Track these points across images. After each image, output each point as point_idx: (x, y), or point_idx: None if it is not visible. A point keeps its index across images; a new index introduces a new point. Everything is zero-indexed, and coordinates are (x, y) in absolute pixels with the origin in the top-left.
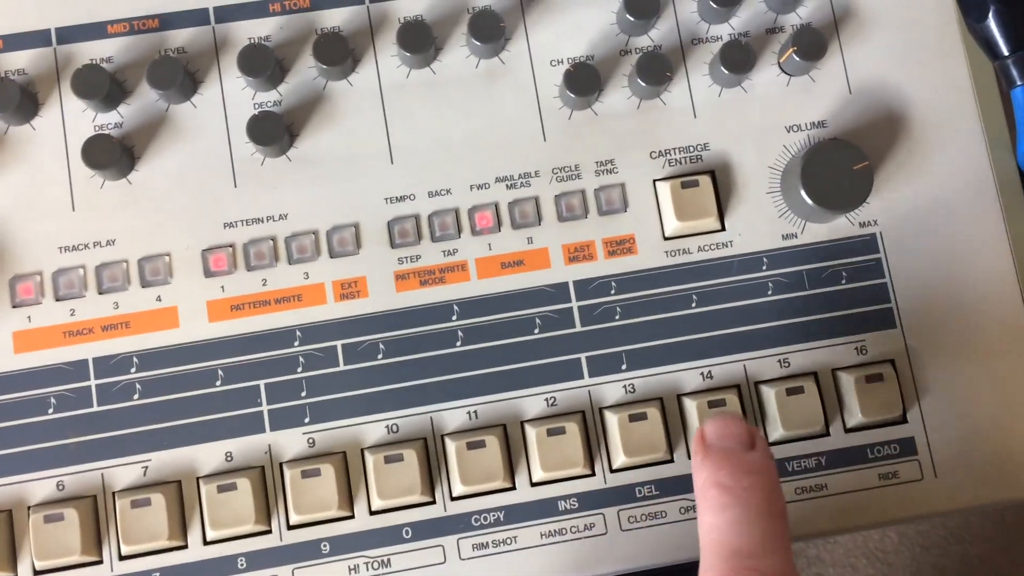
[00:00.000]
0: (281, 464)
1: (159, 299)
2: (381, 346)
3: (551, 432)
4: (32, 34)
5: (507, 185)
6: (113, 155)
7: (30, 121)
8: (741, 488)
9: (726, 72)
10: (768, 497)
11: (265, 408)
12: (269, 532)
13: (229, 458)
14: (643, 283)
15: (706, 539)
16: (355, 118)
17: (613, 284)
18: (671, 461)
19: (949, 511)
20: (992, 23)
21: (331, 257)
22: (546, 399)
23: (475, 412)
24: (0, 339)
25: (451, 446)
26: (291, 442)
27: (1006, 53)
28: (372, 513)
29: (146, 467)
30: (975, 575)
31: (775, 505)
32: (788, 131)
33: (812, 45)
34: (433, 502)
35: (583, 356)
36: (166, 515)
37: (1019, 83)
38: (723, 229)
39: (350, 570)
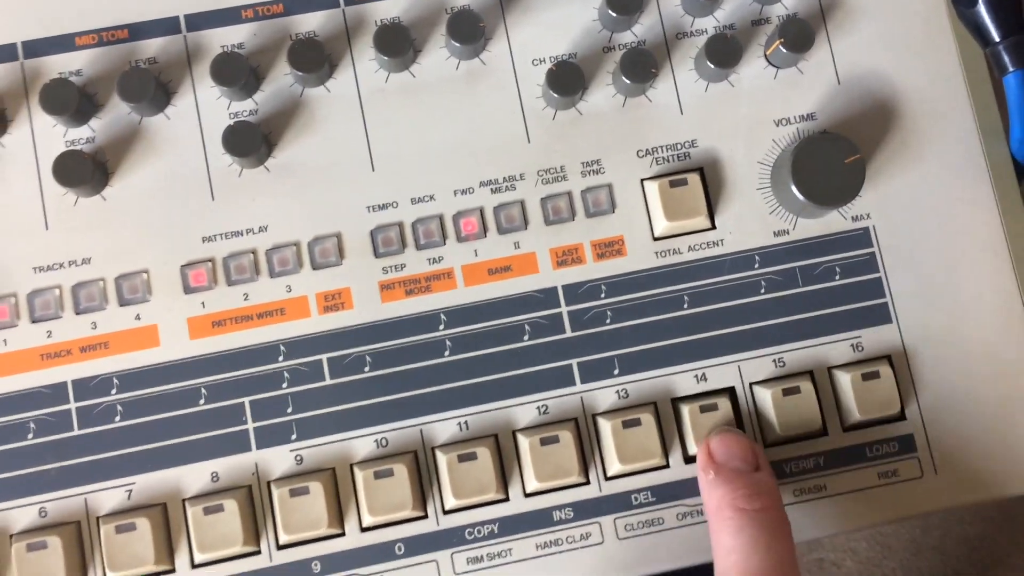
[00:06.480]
0: (269, 483)
1: (138, 318)
2: (368, 358)
3: (544, 441)
4: None
5: (492, 189)
6: (85, 172)
7: None
8: (755, 510)
9: (712, 66)
10: (779, 518)
11: (251, 426)
12: (258, 553)
13: (215, 478)
14: (633, 285)
15: (725, 561)
16: (334, 125)
17: (603, 287)
18: (667, 467)
19: (950, 508)
20: (982, 8)
21: (314, 269)
22: (538, 407)
23: (466, 423)
24: None
25: (442, 459)
26: (278, 460)
27: (997, 39)
28: (363, 530)
29: (130, 490)
30: (974, 555)
31: (785, 526)
32: (777, 125)
33: (799, 36)
34: (425, 516)
35: (574, 362)
36: (152, 539)
37: (1011, 69)
38: (713, 227)
39: None
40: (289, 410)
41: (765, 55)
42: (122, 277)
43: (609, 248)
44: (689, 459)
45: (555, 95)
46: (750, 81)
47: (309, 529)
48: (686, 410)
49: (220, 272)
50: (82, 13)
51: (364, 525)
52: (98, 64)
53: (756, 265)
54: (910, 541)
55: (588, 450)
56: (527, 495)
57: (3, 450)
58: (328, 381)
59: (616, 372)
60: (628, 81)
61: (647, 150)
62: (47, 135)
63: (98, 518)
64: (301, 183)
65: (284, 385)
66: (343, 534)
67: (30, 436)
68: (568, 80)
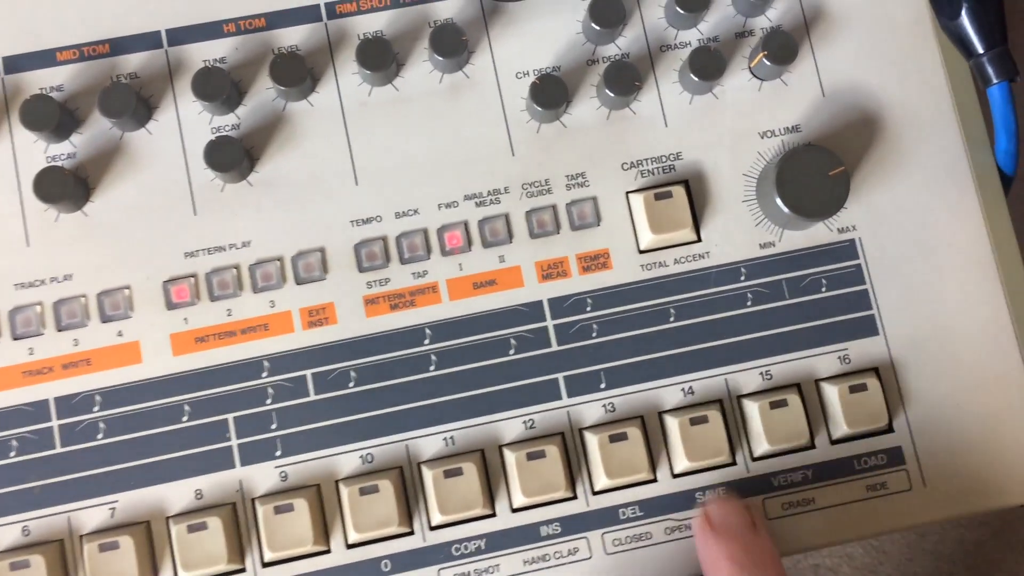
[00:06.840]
0: (253, 500)
1: (120, 334)
2: (352, 374)
3: (531, 456)
4: None
5: (476, 203)
6: (66, 187)
7: None
8: (752, 565)
9: (696, 79)
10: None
11: (234, 442)
12: (243, 571)
13: (199, 496)
14: (619, 298)
15: None
16: (317, 139)
17: (589, 301)
18: (654, 481)
19: (939, 521)
20: (965, 20)
21: (297, 284)
22: (524, 422)
23: (452, 438)
24: None
25: (428, 474)
26: (263, 477)
27: (981, 51)
28: (349, 547)
29: (113, 508)
30: (971, 560)
31: None
32: (762, 137)
33: (783, 48)
34: (412, 533)
35: (560, 376)
36: (135, 558)
37: (995, 81)
38: (699, 240)
39: None
40: (273, 426)
41: (749, 67)
42: (104, 293)
43: (594, 261)
44: (676, 474)
45: (539, 108)
46: (734, 93)
47: (294, 546)
48: (674, 423)
49: (203, 288)
50: (63, 28)
51: (350, 542)
52: (79, 79)
53: (742, 277)
54: (906, 546)
55: (575, 465)
56: (514, 510)
57: None
58: (312, 397)
59: (602, 386)
60: (612, 94)
61: (632, 163)
62: (28, 151)
63: (81, 536)
64: (284, 197)
65: (268, 401)
66: (329, 551)
67: (12, 454)
68: (552, 93)
